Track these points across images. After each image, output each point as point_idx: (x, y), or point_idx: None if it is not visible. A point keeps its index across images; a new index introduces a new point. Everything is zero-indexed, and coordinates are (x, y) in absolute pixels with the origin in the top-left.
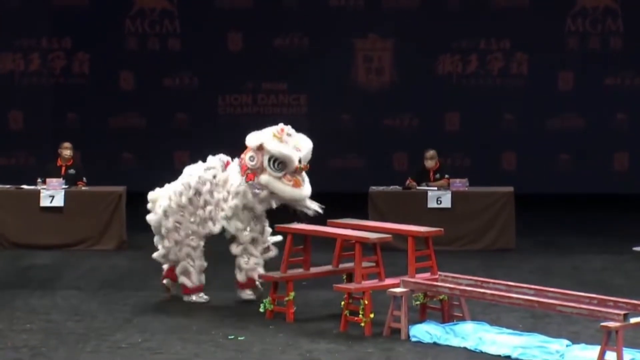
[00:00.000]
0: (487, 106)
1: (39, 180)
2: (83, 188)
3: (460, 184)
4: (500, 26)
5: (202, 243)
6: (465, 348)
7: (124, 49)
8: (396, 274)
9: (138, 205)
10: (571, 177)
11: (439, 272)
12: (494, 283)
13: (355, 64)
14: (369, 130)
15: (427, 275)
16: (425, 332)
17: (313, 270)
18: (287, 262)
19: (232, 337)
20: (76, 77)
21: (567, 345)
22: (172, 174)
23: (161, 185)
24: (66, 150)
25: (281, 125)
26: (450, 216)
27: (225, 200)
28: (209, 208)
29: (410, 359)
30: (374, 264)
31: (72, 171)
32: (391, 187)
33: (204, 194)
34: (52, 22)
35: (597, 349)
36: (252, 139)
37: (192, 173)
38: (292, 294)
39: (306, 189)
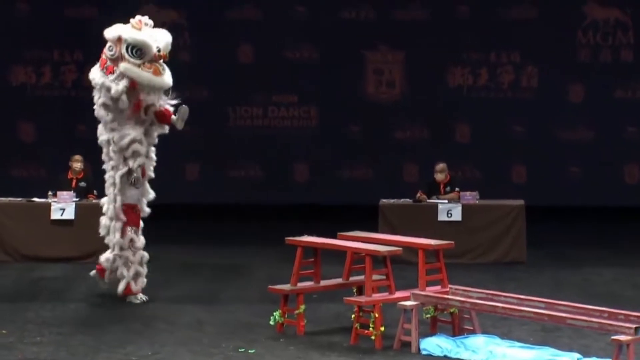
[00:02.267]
0: (497, 119)
1: (50, 193)
2: (94, 201)
3: (470, 196)
4: (510, 39)
5: None
6: None
7: None
8: (407, 287)
9: (149, 217)
10: (581, 189)
11: (450, 285)
12: (504, 296)
13: (365, 76)
14: (380, 142)
15: (437, 288)
16: (435, 345)
17: (323, 283)
18: (298, 274)
19: (243, 350)
20: (87, 89)
21: (578, 359)
22: (182, 186)
23: (171, 198)
24: (77, 163)
25: (139, 16)
26: (460, 229)
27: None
28: None
29: None
30: (384, 277)
31: (82, 184)
32: (402, 199)
33: None
34: (63, 35)
35: None
36: (111, 30)
37: None
38: (302, 306)
39: (166, 77)
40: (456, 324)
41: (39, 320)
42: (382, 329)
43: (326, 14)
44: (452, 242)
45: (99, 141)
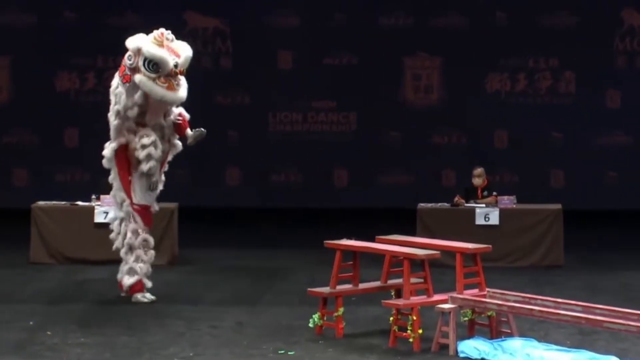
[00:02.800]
0: (535, 124)
1: (94, 196)
2: None
3: (508, 201)
4: (548, 45)
5: None
6: None
7: None
8: (444, 290)
9: (190, 221)
10: (618, 194)
11: (487, 289)
12: (542, 300)
13: (404, 82)
14: (418, 147)
15: (475, 291)
16: (473, 348)
17: (362, 286)
18: (337, 277)
19: (282, 352)
20: None
21: None
22: (223, 190)
23: (212, 202)
24: None
25: (162, 29)
26: (498, 233)
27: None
28: None
29: None
30: (422, 280)
31: None
32: (439, 204)
33: None
34: (106, 42)
35: None
36: (132, 40)
37: None
38: (341, 309)
39: (180, 92)
40: (494, 327)
41: (82, 322)
42: (420, 331)
43: (365, 21)
44: (490, 245)
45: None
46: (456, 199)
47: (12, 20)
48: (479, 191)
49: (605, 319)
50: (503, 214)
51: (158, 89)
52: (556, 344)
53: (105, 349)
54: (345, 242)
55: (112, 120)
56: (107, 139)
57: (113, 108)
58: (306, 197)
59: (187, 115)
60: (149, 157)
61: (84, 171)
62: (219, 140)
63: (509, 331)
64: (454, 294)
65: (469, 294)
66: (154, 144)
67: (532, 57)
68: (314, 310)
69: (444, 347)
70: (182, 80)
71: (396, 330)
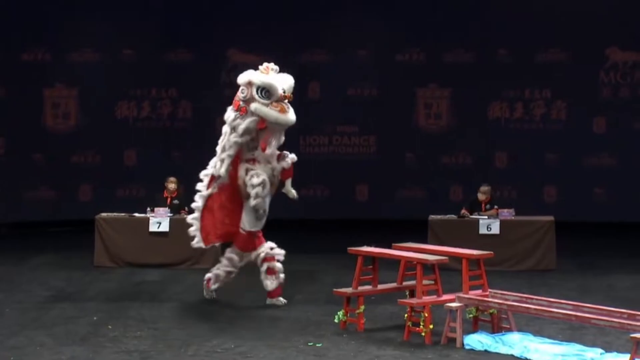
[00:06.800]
0: (531, 146)
1: (148, 209)
2: (185, 216)
3: (507, 213)
4: (542, 78)
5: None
6: (512, 355)
7: (221, 98)
8: (452, 291)
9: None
10: (605, 207)
11: (489, 290)
12: (537, 299)
13: (417, 110)
14: (429, 166)
15: (479, 292)
16: (477, 341)
17: (380, 287)
18: (358, 279)
19: (312, 344)
20: (180, 121)
21: (601, 354)
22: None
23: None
24: (171, 184)
25: (266, 63)
26: (499, 241)
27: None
28: None
29: None
30: (433, 282)
31: (176, 201)
32: (448, 215)
33: None
34: (160, 75)
35: (627, 357)
36: (242, 76)
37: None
38: (362, 307)
39: (291, 115)
40: (495, 323)
41: (139, 317)
42: (431, 326)
43: (384, 57)
44: (492, 252)
45: (219, 173)
46: (462, 211)
47: (81, 56)
48: (483, 205)
49: (593, 316)
50: (503, 224)
51: (272, 113)
52: (549, 337)
53: (158, 340)
54: (366, 248)
55: (228, 149)
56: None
57: (230, 139)
58: (332, 209)
59: (289, 163)
60: (256, 196)
61: (140, 187)
62: None
63: (508, 326)
64: (461, 294)
65: (474, 294)
66: (263, 184)
67: (528, 88)
68: (338, 308)
69: (452, 340)
70: (290, 106)
71: (410, 325)
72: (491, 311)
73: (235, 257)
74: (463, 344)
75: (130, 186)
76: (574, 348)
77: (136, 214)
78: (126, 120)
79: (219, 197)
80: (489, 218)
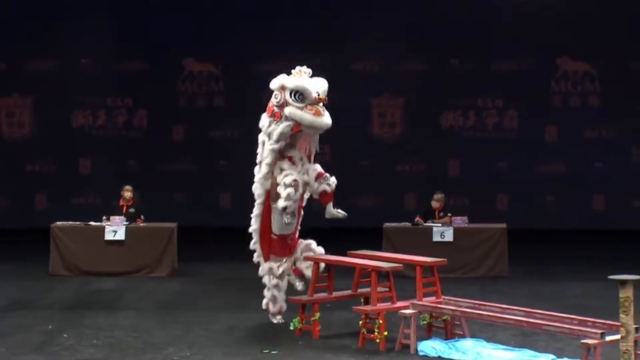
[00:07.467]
0: (483, 155)
1: (104, 217)
2: (141, 224)
3: (460, 221)
4: (494, 87)
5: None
6: None
7: (177, 106)
8: (406, 297)
9: (187, 238)
10: (556, 215)
11: (443, 296)
12: (489, 305)
13: (371, 119)
14: (384, 174)
15: (432, 298)
16: (431, 347)
17: (335, 294)
18: (314, 287)
19: (267, 351)
20: (136, 130)
21: (552, 359)
22: (218, 212)
23: (206, 221)
24: (127, 192)
25: (298, 67)
26: (452, 248)
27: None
28: None
29: None
30: (387, 289)
31: (132, 210)
32: (402, 223)
33: None
34: (116, 84)
35: None
36: (275, 81)
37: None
38: (317, 314)
39: (326, 118)
40: (448, 329)
41: (94, 326)
42: (386, 333)
43: (339, 66)
44: (445, 259)
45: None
46: (416, 219)
47: (37, 65)
48: (437, 213)
49: (544, 322)
50: (456, 232)
51: (307, 116)
52: (502, 343)
53: (113, 349)
54: (321, 256)
55: (266, 158)
56: (116, 168)
57: (267, 148)
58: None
59: (332, 187)
60: (288, 197)
61: (96, 196)
62: (212, 168)
63: (461, 333)
64: (415, 301)
65: (428, 301)
66: (295, 185)
67: (480, 97)
68: (294, 315)
69: (406, 347)
70: (324, 109)
71: (365, 332)
72: (445, 318)
73: (274, 266)
74: (417, 351)
75: (86, 195)
76: (526, 354)
77: (92, 223)
78: (82, 129)
79: (268, 208)
80: (442, 226)
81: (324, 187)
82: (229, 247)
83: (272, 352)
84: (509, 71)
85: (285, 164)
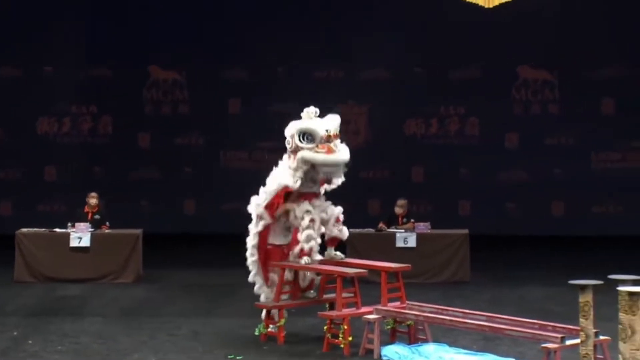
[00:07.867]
0: (446, 161)
1: (69, 224)
2: (106, 231)
3: (423, 226)
4: (456, 95)
5: None
6: None
7: (142, 113)
8: (371, 303)
9: (152, 245)
10: (517, 221)
11: (407, 302)
12: (452, 310)
13: None
14: (348, 181)
15: (397, 304)
16: (394, 352)
17: (301, 300)
18: (280, 292)
19: (232, 356)
20: (101, 137)
21: None
22: (181, 219)
23: (170, 228)
24: (92, 199)
25: (306, 109)
26: (415, 254)
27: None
28: None
29: None
30: (352, 295)
31: (97, 216)
32: (366, 229)
33: None
34: (80, 91)
35: None
36: (288, 128)
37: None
38: (283, 320)
39: (341, 154)
40: (412, 334)
41: (60, 332)
42: (350, 338)
43: (303, 74)
44: (409, 265)
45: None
46: (380, 225)
47: (1, 73)
48: (400, 218)
49: (506, 327)
50: (419, 237)
51: (319, 156)
52: (464, 348)
53: (79, 355)
54: (286, 263)
55: (271, 188)
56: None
57: (279, 183)
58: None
59: (343, 236)
60: (309, 238)
61: (61, 202)
62: (177, 175)
63: (424, 337)
64: (379, 307)
65: (392, 306)
66: (312, 225)
67: (443, 105)
68: (259, 321)
69: (370, 352)
70: (341, 145)
71: (329, 337)
72: (408, 323)
73: (275, 277)
74: (380, 355)
75: (51, 201)
76: (489, 358)
77: (57, 229)
78: (47, 136)
79: (265, 239)
80: (405, 231)
81: (337, 233)
82: (194, 254)
83: (237, 357)
84: (471, 79)
85: (305, 204)
